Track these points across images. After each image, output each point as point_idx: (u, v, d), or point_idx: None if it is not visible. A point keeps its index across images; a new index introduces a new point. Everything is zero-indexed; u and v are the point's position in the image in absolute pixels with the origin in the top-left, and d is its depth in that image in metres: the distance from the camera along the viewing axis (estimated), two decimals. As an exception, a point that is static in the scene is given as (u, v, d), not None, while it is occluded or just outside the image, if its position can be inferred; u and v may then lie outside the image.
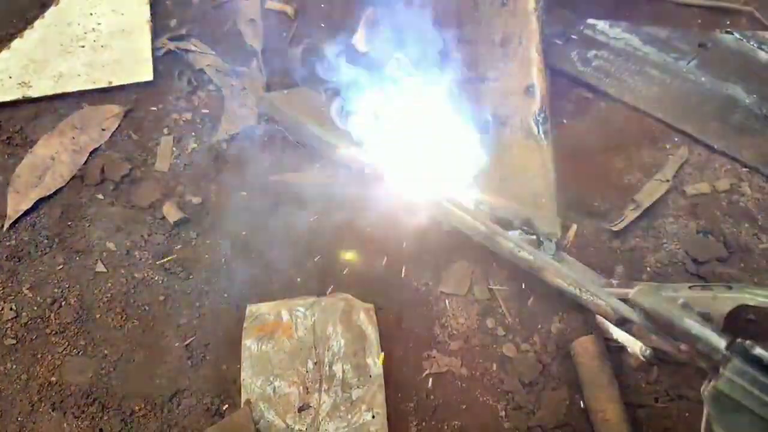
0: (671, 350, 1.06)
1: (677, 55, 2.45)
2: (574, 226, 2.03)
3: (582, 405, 1.73)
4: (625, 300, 1.28)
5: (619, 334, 1.73)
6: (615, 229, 2.03)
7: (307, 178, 2.17)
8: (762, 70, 2.40)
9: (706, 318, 1.02)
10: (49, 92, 2.29)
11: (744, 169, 2.18)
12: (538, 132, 1.78)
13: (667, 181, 2.14)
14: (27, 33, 2.42)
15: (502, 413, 1.76)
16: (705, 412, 1.01)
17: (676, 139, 2.27)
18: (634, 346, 1.67)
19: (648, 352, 1.64)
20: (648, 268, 1.97)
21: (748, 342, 0.95)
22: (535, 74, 1.76)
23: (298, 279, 1.97)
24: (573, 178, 2.15)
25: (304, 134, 2.08)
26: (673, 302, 1.03)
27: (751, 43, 2.47)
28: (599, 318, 1.78)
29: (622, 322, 1.74)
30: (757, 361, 0.93)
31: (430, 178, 1.96)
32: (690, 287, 1.65)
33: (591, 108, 2.37)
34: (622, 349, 1.77)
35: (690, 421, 1.65)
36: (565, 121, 2.33)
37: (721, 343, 0.98)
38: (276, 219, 2.08)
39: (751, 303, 1.65)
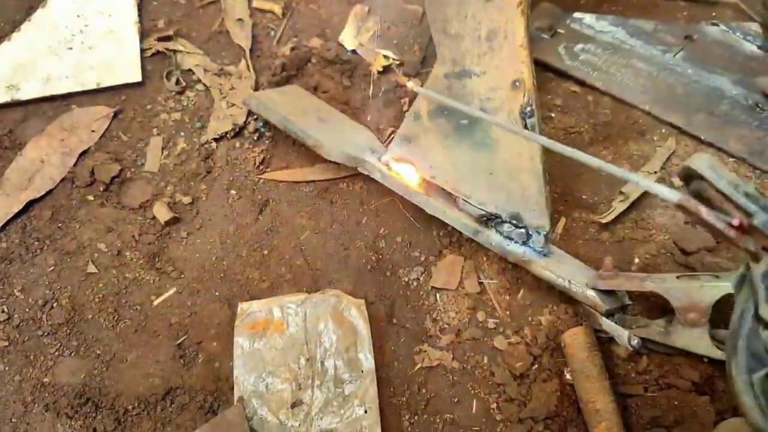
0: (720, 226, 0.96)
1: (664, 47, 2.46)
2: (563, 219, 2.05)
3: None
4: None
5: (608, 325, 1.74)
6: (603, 221, 2.04)
7: (295, 175, 2.18)
8: (747, 61, 2.41)
9: (763, 195, 0.95)
10: (38, 95, 2.29)
11: (731, 160, 2.20)
12: (526, 126, 1.78)
13: (655, 172, 2.16)
14: (14, 36, 2.41)
15: (494, 406, 1.77)
16: (743, 297, 0.97)
17: (663, 131, 2.28)
18: (623, 336, 1.68)
19: (636, 342, 1.66)
20: (637, 260, 1.98)
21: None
22: (522, 68, 1.76)
23: (289, 276, 1.98)
24: (561, 171, 2.17)
25: (293, 132, 2.08)
26: (730, 173, 0.97)
27: (737, 34, 2.48)
28: (588, 309, 1.79)
29: (611, 313, 1.76)
30: None
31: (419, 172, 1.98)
32: (678, 277, 1.67)
33: (578, 101, 2.39)
34: (611, 339, 1.79)
35: (679, 409, 1.67)
36: (552, 114, 2.34)
37: None
38: (265, 217, 2.09)
39: (738, 291, 1.66)
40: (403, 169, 2.01)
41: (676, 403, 1.68)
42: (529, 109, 1.77)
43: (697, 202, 0.99)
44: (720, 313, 1.58)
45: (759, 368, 0.93)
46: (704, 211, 0.97)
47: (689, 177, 1.03)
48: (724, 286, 1.67)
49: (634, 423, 1.69)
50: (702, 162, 1.00)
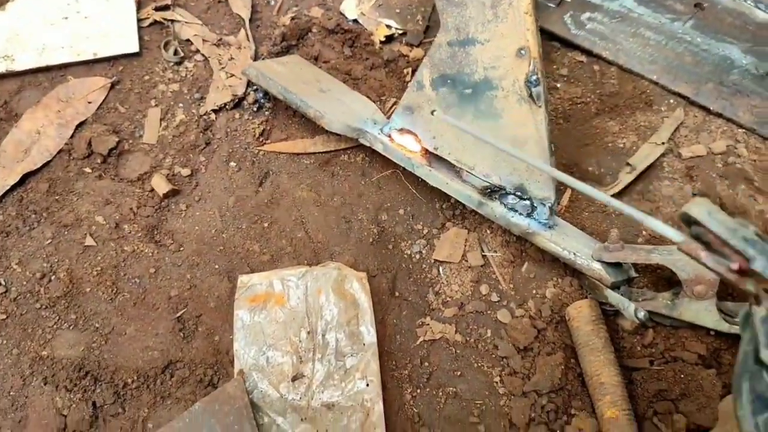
0: (720, 269, 0.98)
1: (673, 15, 2.41)
2: (569, 190, 2.02)
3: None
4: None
5: (613, 298, 1.71)
6: (610, 192, 2.00)
7: (296, 147, 2.15)
8: (759, 29, 2.35)
9: (762, 238, 0.95)
10: (33, 65, 2.25)
11: (740, 131, 2.15)
12: (531, 95, 1.74)
13: (663, 143, 2.11)
14: (9, 5, 2.37)
15: (497, 379, 1.75)
16: (746, 338, 0.98)
17: (671, 101, 2.24)
18: (629, 309, 1.66)
19: (643, 315, 1.63)
20: (644, 232, 1.95)
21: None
22: (527, 36, 1.71)
23: (290, 249, 1.95)
24: (567, 142, 2.13)
25: (293, 103, 2.04)
26: (729, 217, 0.98)
27: (748, 1, 2.42)
28: (594, 282, 1.76)
29: (617, 286, 1.73)
30: None
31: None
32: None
33: (585, 71, 2.34)
34: (617, 312, 1.76)
35: (685, 382, 1.65)
36: (558, 84, 2.30)
37: None
38: (265, 190, 2.06)
39: (746, 264, 1.63)
40: (406, 141, 1.97)
41: (682, 376, 1.66)
42: (534, 77, 1.72)
43: (697, 245, 1.01)
44: (727, 286, 1.55)
45: (764, 410, 0.94)
46: (704, 256, 0.99)
47: (689, 221, 1.04)
48: (733, 257, 1.64)
49: (639, 396, 1.67)
50: (699, 208, 1.00)
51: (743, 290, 0.98)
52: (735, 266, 0.96)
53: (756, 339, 0.95)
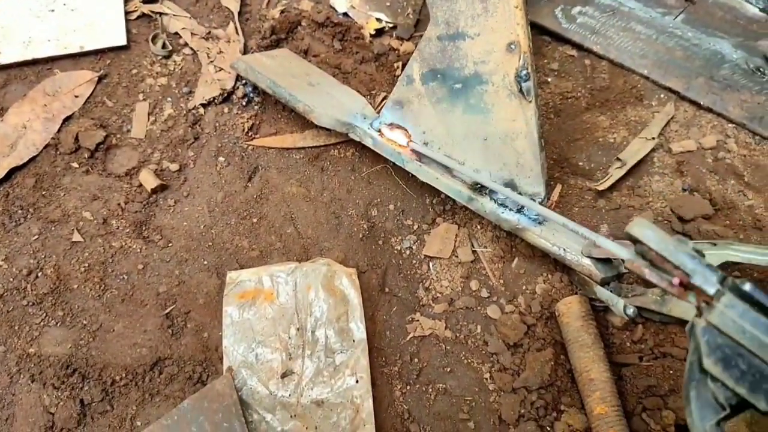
0: (663, 284, 1.06)
1: (663, 9, 2.40)
2: (559, 186, 2.01)
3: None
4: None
5: (603, 294, 1.71)
6: (600, 188, 2.00)
7: (285, 141, 2.13)
8: (749, 24, 2.35)
9: (700, 254, 1.02)
10: (19, 59, 2.22)
11: (730, 125, 2.15)
12: (521, 90, 1.74)
13: (653, 138, 2.11)
14: (-6, -3, 2.34)
15: (487, 375, 1.75)
16: (691, 348, 1.03)
17: (662, 96, 2.23)
18: (618, 305, 1.66)
19: (632, 311, 1.63)
20: (633, 227, 1.95)
21: (740, 279, 0.97)
22: (518, 30, 1.70)
23: (279, 244, 1.94)
24: (557, 137, 2.13)
25: (283, 97, 2.03)
26: (669, 235, 1.05)
27: (739, -4, 2.42)
28: (584, 278, 1.76)
29: (607, 282, 1.73)
30: (747, 297, 0.95)
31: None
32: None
33: (575, 65, 2.33)
34: (606, 308, 1.76)
35: (674, 378, 1.65)
36: (549, 79, 2.29)
37: (714, 278, 0.99)
38: (254, 185, 2.05)
39: (736, 260, 1.64)
40: (396, 135, 1.96)
41: (671, 372, 1.67)
42: (524, 72, 1.72)
43: (642, 262, 1.09)
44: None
45: (711, 416, 0.99)
46: (647, 273, 1.08)
47: (634, 240, 1.11)
48: (722, 254, 1.65)
49: (628, 392, 1.68)
50: (640, 228, 1.07)
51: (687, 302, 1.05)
52: (676, 281, 1.04)
53: (698, 349, 1.00)
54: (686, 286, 1.04)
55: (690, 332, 1.05)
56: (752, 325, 0.93)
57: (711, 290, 0.99)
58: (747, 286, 0.96)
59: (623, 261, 1.18)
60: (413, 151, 1.93)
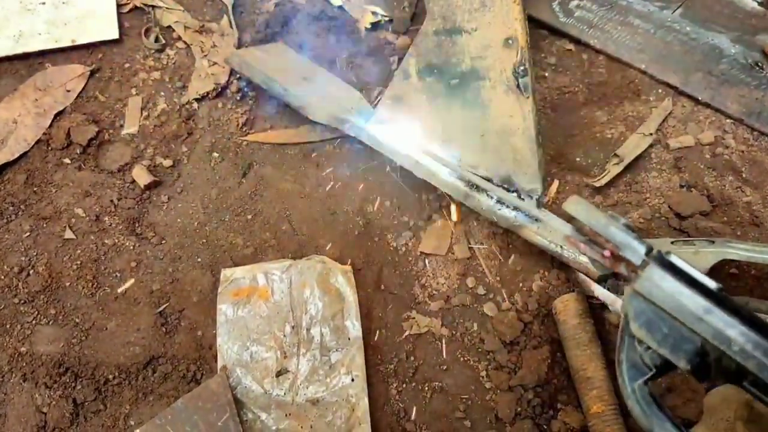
0: (596, 257, 1.16)
1: (662, 3, 2.38)
2: (556, 182, 2.00)
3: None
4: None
5: (600, 292, 1.70)
6: (597, 184, 1.99)
7: (280, 137, 2.11)
8: (747, 18, 2.34)
9: (629, 228, 1.11)
10: (9, 52, 2.18)
11: (728, 121, 2.14)
12: (519, 85, 1.72)
13: (651, 134, 2.10)
14: (-16, -10, 2.30)
15: (483, 373, 1.74)
16: (623, 315, 1.12)
17: (659, 91, 2.22)
18: (616, 303, 1.65)
19: (629, 308, 1.62)
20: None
21: (665, 250, 1.06)
22: (515, 25, 1.69)
23: (274, 241, 1.92)
24: (554, 132, 2.11)
25: (277, 92, 2.01)
26: (601, 212, 1.14)
27: (737, -10, 2.40)
28: (581, 276, 1.75)
29: (604, 279, 1.72)
30: (669, 266, 1.03)
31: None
32: (672, 242, 1.63)
33: (573, 60, 2.31)
34: (603, 306, 1.75)
35: (670, 377, 1.64)
36: (546, 74, 2.27)
37: (641, 249, 1.07)
38: (249, 181, 2.03)
39: (734, 257, 1.63)
40: (392, 131, 1.94)
41: (668, 370, 1.66)
42: (522, 67, 1.70)
43: (578, 237, 1.18)
44: (715, 280, 1.54)
45: (638, 376, 1.08)
46: (582, 246, 1.17)
47: (570, 217, 1.19)
48: (719, 251, 1.63)
49: (625, 390, 1.67)
50: (574, 206, 1.16)
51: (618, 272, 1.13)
52: (607, 253, 1.13)
53: (627, 315, 1.09)
54: (617, 258, 1.11)
55: (623, 300, 1.15)
56: (672, 291, 1.00)
57: (637, 261, 1.07)
58: (671, 257, 1.04)
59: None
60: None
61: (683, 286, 1.00)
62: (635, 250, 1.08)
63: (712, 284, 1.01)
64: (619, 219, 1.13)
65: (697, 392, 1.61)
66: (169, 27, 2.34)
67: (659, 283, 1.02)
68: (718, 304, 0.97)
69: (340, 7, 2.42)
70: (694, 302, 0.99)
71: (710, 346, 0.97)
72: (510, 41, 1.69)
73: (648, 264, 1.05)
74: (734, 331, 0.94)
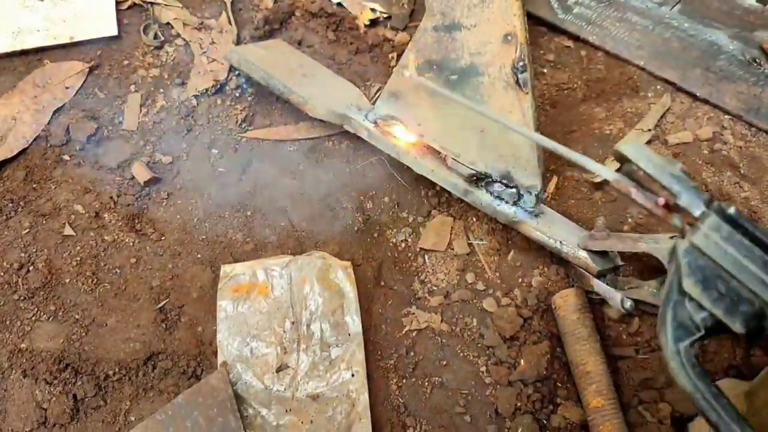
0: (648, 205, 1.07)
1: (660, 0, 2.38)
2: (555, 179, 2.01)
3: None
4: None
5: (599, 287, 1.71)
6: (596, 180, 1.99)
7: (279, 133, 2.11)
8: (746, 14, 2.34)
9: (688, 175, 1.03)
10: (8, 49, 2.18)
11: (726, 117, 2.15)
12: (518, 81, 1.72)
13: (649, 130, 2.10)
14: (-18, -13, 2.30)
15: (483, 368, 1.74)
16: (672, 270, 1.04)
17: (658, 87, 2.22)
18: (615, 298, 1.65)
19: (629, 304, 1.63)
20: (630, 219, 1.94)
21: (725, 203, 0.98)
22: (514, 21, 1.69)
23: (273, 238, 1.93)
24: (553, 128, 2.11)
25: (276, 89, 2.01)
26: (660, 155, 1.06)
27: (735, -14, 2.41)
28: (580, 271, 1.75)
29: (604, 274, 1.72)
30: (731, 221, 0.96)
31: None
32: (671, 237, 1.63)
33: (571, 56, 2.31)
34: (603, 301, 1.76)
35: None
36: (545, 70, 2.27)
37: (700, 200, 0.99)
38: (248, 177, 2.03)
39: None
40: (391, 127, 1.94)
41: (667, 364, 1.66)
42: (521, 64, 1.70)
43: (628, 182, 1.08)
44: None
45: (685, 337, 1.00)
46: (633, 192, 1.08)
47: (621, 159, 1.11)
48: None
49: (624, 385, 1.68)
50: (630, 147, 1.07)
51: (671, 224, 1.05)
52: (661, 201, 1.03)
53: (679, 270, 1.01)
54: (671, 208, 1.04)
55: (671, 255, 1.06)
56: (735, 248, 0.94)
57: (696, 212, 0.99)
58: (732, 210, 0.97)
59: (608, 183, 1.17)
60: (426, 146, 1.91)
61: (746, 243, 0.94)
62: (694, 200, 0.99)
63: None
64: (677, 164, 1.05)
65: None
66: (168, 24, 2.34)
67: (719, 238, 0.95)
68: None
69: (338, 3, 2.42)
70: (757, 262, 0.92)
71: None
72: (509, 37, 1.69)
73: (709, 216, 0.97)
74: None
